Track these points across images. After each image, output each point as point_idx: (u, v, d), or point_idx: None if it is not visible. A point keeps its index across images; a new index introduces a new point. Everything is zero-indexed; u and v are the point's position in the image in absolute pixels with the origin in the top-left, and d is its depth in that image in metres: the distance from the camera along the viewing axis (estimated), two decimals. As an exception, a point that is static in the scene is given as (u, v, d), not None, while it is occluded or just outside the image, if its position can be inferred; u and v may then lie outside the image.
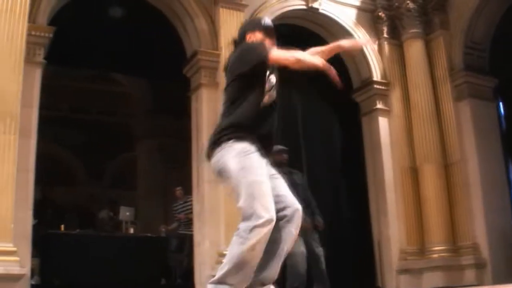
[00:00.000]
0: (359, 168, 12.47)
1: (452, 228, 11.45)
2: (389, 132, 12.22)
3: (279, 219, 3.89)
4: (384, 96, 12.39)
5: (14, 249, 7.75)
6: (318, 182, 11.03)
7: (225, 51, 10.24)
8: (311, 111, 11.94)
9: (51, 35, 9.34)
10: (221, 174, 3.98)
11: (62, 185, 16.87)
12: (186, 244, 11.87)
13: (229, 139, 3.93)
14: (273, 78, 4.19)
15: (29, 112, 8.71)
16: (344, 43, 3.99)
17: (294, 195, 4.10)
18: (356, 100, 12.77)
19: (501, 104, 12.57)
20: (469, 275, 11.01)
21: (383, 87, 12.39)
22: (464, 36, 12.20)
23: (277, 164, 4.22)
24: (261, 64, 4.00)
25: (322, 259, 8.35)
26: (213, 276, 3.79)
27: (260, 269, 3.87)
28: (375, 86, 12.35)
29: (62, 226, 11.73)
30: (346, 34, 12.30)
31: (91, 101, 18.13)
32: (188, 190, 11.60)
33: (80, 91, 17.51)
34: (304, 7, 11.86)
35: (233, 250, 3.72)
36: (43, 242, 10.51)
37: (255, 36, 4.31)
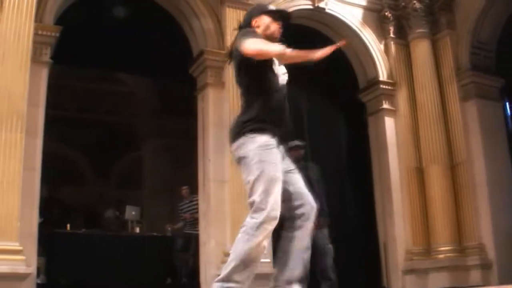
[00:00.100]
0: (365, 168, 12.45)
1: (458, 229, 11.42)
2: (395, 132, 12.20)
3: (296, 217, 3.93)
4: (390, 96, 12.37)
5: (20, 248, 7.77)
6: (324, 182, 11.02)
7: (231, 51, 10.23)
8: (317, 111, 11.93)
9: (57, 35, 9.36)
10: (240, 162, 3.98)
11: (68, 184, 16.88)
12: (191, 244, 11.88)
13: (251, 131, 3.91)
14: (278, 65, 4.17)
15: (35, 112, 8.74)
16: (314, 55, 3.92)
17: (310, 192, 4.10)
18: (362, 100, 12.75)
19: (507, 104, 12.54)
20: (475, 276, 10.98)
21: (389, 87, 12.36)
22: (471, 36, 12.17)
23: (293, 159, 4.24)
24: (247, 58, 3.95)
25: (331, 255, 8.40)
26: (219, 275, 3.80)
27: (282, 269, 3.92)
28: (381, 86, 12.33)
29: (68, 225, 11.75)
30: (353, 34, 12.31)
31: (97, 101, 18.14)
32: (194, 190, 11.61)
33: (86, 91, 17.53)
34: (311, 6, 11.85)
35: (239, 247, 3.73)
36: (49, 241, 10.53)
37: (262, 20, 4.27)
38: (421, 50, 12.30)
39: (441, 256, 11.26)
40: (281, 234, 4.02)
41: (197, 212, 11.32)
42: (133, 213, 12.64)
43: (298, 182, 4.07)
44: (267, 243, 3.81)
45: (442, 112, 11.96)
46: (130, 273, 10.81)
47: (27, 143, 8.20)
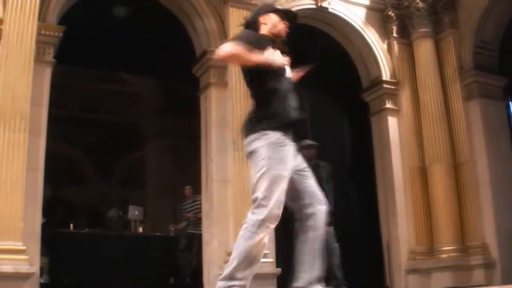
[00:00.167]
0: (368, 168, 12.44)
1: (461, 228, 11.41)
2: (398, 132, 12.19)
3: (307, 216, 3.98)
4: (393, 95, 12.36)
5: (23, 247, 7.78)
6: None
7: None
8: (320, 110, 11.92)
9: (61, 34, 9.37)
10: (250, 157, 3.99)
11: (72, 184, 16.92)
12: (194, 243, 11.89)
13: (263, 128, 3.93)
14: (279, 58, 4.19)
15: (38, 111, 8.75)
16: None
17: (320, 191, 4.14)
18: (365, 100, 12.75)
19: (510, 103, 12.53)
20: (478, 275, 10.98)
21: (392, 87, 12.36)
22: (474, 36, 12.16)
23: (305, 158, 4.27)
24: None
25: (337, 254, 8.44)
26: (221, 275, 3.81)
27: (302, 270, 3.95)
28: (385, 85, 12.33)
29: (71, 225, 11.76)
30: (356, 33, 12.31)
31: (100, 100, 18.16)
32: (197, 189, 11.62)
33: (89, 91, 17.54)
34: (314, 6, 11.84)
35: (241, 245, 3.75)
36: (52, 241, 10.54)
37: (270, 18, 4.32)
38: (424, 49, 12.29)
39: (444, 255, 11.26)
40: (296, 235, 4.05)
41: (200, 212, 11.33)
42: (136, 213, 12.64)
43: (309, 181, 4.09)
44: (267, 240, 3.85)
45: (445, 111, 11.95)
46: (133, 272, 10.82)
47: (30, 143, 8.20)
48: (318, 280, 3.95)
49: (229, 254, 9.06)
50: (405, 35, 12.63)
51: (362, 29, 12.36)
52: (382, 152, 12.31)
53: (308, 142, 8.29)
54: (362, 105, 12.74)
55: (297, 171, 4.00)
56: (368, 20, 12.50)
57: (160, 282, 11.56)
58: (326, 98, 12.25)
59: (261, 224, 3.73)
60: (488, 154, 11.60)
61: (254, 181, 3.87)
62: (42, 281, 9.29)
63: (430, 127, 11.84)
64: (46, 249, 9.95)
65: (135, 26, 10.72)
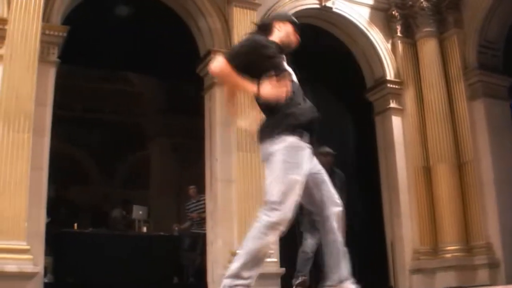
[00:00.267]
0: (372, 167, 12.44)
1: (465, 228, 11.40)
2: (403, 132, 12.18)
3: (327, 219, 4.05)
4: (397, 95, 12.35)
5: (28, 247, 7.79)
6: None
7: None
8: (324, 110, 11.88)
9: (65, 34, 9.38)
10: (266, 160, 3.99)
11: (76, 184, 16.95)
12: (198, 243, 11.88)
13: (280, 132, 3.93)
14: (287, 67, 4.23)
15: (43, 111, 8.76)
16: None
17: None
18: (369, 100, 12.73)
19: (515, 103, 12.51)
20: (482, 275, 10.96)
21: (396, 86, 12.34)
22: (478, 35, 12.15)
23: (322, 165, 4.31)
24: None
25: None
26: (226, 273, 3.81)
27: (332, 271, 4.05)
28: (389, 85, 12.31)
29: (76, 225, 11.78)
30: (360, 33, 12.30)
31: (104, 100, 18.18)
32: (201, 189, 11.61)
33: (93, 91, 17.57)
34: (318, 6, 11.83)
35: (249, 244, 3.77)
36: (57, 241, 10.55)
37: (286, 26, 4.34)
38: (428, 49, 12.27)
39: (448, 255, 11.24)
40: (321, 238, 4.17)
41: (204, 212, 11.33)
42: (140, 212, 12.65)
43: (326, 183, 4.13)
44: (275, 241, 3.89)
45: (450, 111, 11.94)
46: (137, 272, 10.82)
47: (34, 143, 8.22)
48: (347, 278, 4.06)
49: (233, 253, 9.13)
50: (409, 35, 12.61)
51: (366, 28, 12.35)
52: (386, 152, 12.30)
53: (326, 149, 8.39)
54: (366, 105, 12.73)
55: (312, 174, 4.04)
56: (372, 20, 12.48)
57: (164, 282, 11.56)
58: (330, 97, 12.24)
59: (273, 226, 3.75)
60: (492, 154, 11.59)
61: (268, 184, 3.89)
62: (46, 280, 9.30)
63: (434, 127, 11.82)
64: (50, 248, 9.94)
65: (138, 26, 10.73)
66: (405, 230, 11.69)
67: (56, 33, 9.29)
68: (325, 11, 12.02)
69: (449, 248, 11.28)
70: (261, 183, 9.77)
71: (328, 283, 4.03)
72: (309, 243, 8.74)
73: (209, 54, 10.60)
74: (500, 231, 11.19)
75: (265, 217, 3.78)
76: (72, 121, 16.76)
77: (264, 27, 4.36)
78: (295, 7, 11.48)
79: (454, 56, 12.18)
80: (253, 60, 4.02)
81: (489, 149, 11.61)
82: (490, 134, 11.69)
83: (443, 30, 12.44)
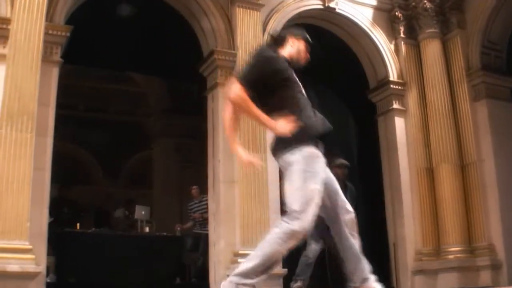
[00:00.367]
0: (375, 168, 12.42)
1: (467, 229, 11.39)
2: (405, 132, 12.17)
3: (344, 224, 4.22)
4: (400, 96, 12.34)
5: (30, 247, 7.79)
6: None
7: (242, 51, 10.28)
8: (327, 111, 11.89)
9: (68, 34, 9.38)
10: (285, 169, 4.06)
11: (79, 184, 16.93)
12: (201, 243, 11.89)
13: (297, 143, 4.00)
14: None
15: (46, 111, 8.76)
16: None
17: None
18: (372, 100, 12.73)
19: (518, 104, 12.48)
20: (485, 276, 10.95)
21: (399, 87, 12.34)
22: (481, 36, 12.13)
23: (336, 177, 4.37)
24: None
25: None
26: (228, 275, 3.82)
27: (354, 273, 4.21)
28: (392, 86, 12.30)
29: (78, 225, 11.77)
30: (363, 33, 12.30)
31: (107, 100, 18.21)
32: (203, 190, 11.61)
33: (96, 91, 17.60)
34: (321, 6, 11.83)
35: (266, 248, 3.84)
36: (59, 241, 10.53)
37: (300, 43, 4.44)
38: (432, 50, 12.26)
39: (451, 256, 11.23)
40: (337, 244, 4.29)
41: (206, 212, 11.33)
42: (143, 212, 12.63)
43: (337, 191, 4.24)
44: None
45: (453, 112, 11.93)
46: (139, 272, 10.82)
47: (37, 143, 8.21)
48: (369, 277, 4.24)
49: (236, 254, 9.13)
50: (412, 36, 12.60)
51: (369, 29, 12.34)
52: (389, 153, 12.29)
53: (342, 161, 8.41)
54: (369, 106, 12.73)
55: (325, 182, 4.10)
56: (375, 21, 12.48)
57: (166, 282, 11.55)
58: (333, 98, 12.23)
59: (293, 234, 3.82)
60: (495, 155, 11.57)
61: (288, 194, 3.96)
62: (48, 280, 9.30)
63: (437, 128, 11.81)
64: (52, 248, 9.96)
65: (142, 26, 10.74)
66: (408, 231, 11.69)
67: (59, 33, 9.29)
68: (328, 12, 12.01)
69: (451, 249, 11.27)
70: (263, 185, 9.79)
71: (352, 284, 4.16)
72: (312, 248, 8.77)
73: (212, 54, 10.61)
74: (503, 233, 11.18)
75: (286, 225, 3.83)
76: (75, 121, 16.77)
77: (278, 40, 4.46)
78: (299, 7, 11.49)
79: (457, 57, 12.17)
80: (265, 78, 4.09)
81: (492, 150, 11.59)
82: (493, 135, 11.67)
83: (446, 31, 12.43)
